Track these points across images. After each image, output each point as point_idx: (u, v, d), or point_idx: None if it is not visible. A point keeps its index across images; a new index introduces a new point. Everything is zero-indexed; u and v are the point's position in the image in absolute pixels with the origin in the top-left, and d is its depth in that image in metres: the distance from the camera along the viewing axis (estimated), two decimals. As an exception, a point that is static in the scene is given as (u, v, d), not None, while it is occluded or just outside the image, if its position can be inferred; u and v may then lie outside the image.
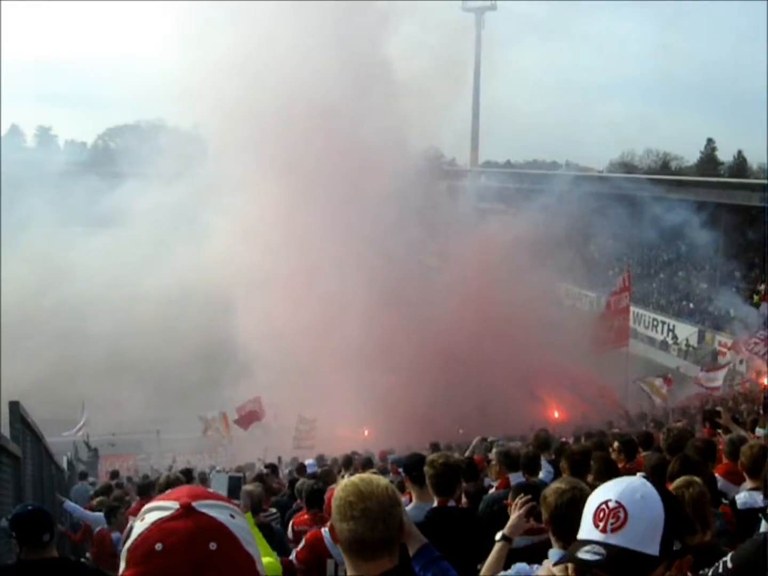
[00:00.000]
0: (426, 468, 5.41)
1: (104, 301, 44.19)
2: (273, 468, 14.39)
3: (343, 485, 2.97)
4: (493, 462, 8.25)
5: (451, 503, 5.45)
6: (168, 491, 1.73)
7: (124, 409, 34.61)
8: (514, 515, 4.38)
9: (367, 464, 13.11)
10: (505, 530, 4.36)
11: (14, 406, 6.56)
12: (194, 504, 1.64)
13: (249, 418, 31.12)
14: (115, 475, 16.81)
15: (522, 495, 4.54)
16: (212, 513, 1.64)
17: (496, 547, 4.29)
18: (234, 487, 5.46)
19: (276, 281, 36.77)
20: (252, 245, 38.57)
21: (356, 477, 2.99)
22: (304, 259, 36.11)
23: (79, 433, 29.82)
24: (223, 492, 5.42)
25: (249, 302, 36.81)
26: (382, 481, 2.98)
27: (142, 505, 8.02)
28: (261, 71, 37.11)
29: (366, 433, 32.01)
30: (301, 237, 36.64)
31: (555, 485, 4.03)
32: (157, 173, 50.51)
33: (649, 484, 2.21)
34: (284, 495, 11.83)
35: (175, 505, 1.64)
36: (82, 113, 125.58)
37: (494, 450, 8.07)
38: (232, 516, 1.67)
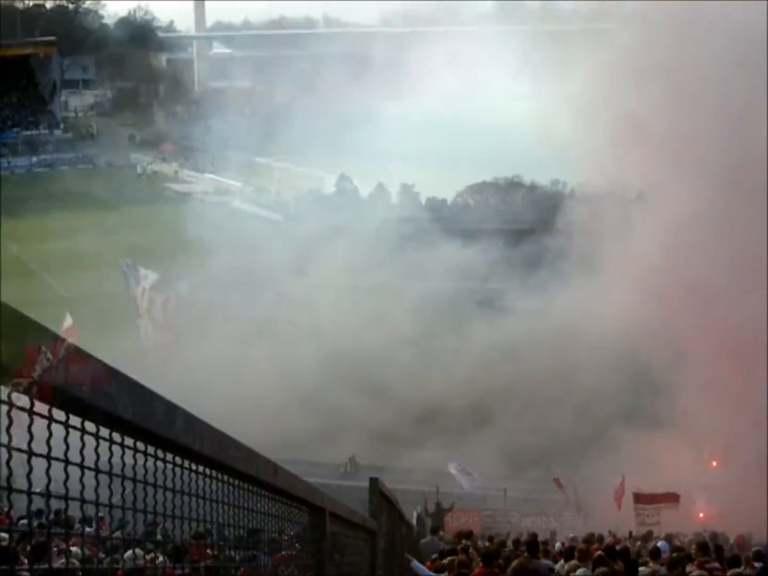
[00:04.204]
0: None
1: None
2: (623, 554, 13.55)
3: None
4: None
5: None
6: None
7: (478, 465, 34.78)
8: None
9: (719, 551, 11.95)
10: None
11: (373, 482, 6.89)
12: None
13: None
14: (461, 535, 16.80)
15: None
16: None
17: None
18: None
19: None
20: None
21: None
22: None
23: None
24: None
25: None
26: None
27: (484, 571, 7.99)
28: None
29: (701, 515, 28.00)
30: None
31: None
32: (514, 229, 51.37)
33: None
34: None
35: None
36: (443, 171, 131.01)
37: None
38: None
